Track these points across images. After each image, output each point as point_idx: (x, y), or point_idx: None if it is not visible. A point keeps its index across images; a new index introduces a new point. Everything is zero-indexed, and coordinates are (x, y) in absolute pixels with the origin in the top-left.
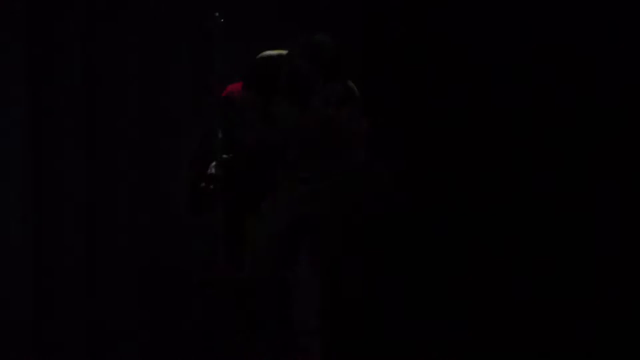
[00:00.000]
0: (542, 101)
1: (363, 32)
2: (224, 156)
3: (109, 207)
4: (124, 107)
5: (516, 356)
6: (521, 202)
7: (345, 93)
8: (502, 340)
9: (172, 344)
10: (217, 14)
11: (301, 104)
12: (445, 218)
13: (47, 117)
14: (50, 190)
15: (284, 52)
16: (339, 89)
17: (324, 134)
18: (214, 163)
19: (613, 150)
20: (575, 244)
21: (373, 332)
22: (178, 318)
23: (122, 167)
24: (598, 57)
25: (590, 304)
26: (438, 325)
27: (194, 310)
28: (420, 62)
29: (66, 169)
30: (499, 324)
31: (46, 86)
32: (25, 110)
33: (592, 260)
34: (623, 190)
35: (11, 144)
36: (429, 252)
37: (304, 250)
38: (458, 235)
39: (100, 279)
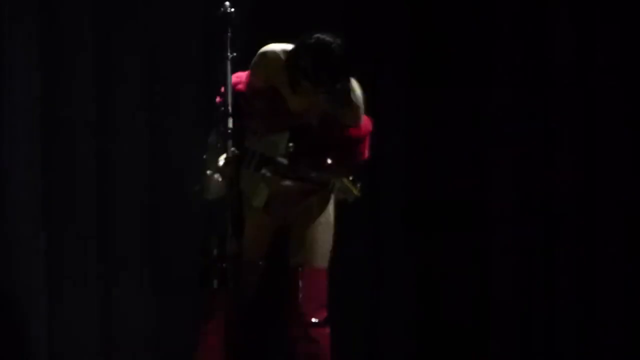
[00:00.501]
0: None
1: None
2: (233, 150)
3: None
4: (135, 101)
5: None
6: None
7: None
8: None
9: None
10: (227, 2)
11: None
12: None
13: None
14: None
15: (288, 46)
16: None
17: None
18: (223, 156)
19: None
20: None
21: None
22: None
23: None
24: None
25: None
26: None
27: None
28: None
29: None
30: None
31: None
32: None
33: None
34: None
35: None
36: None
37: None
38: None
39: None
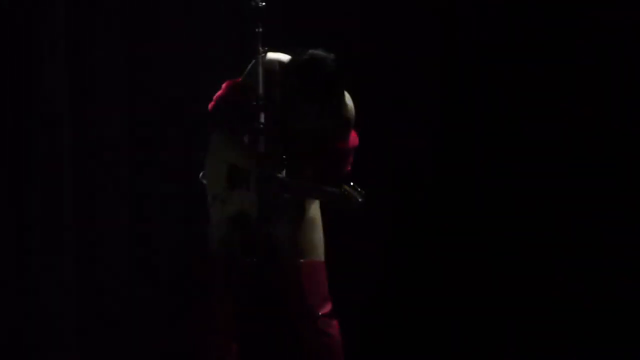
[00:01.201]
0: None
1: None
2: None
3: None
4: (162, 98)
5: None
6: None
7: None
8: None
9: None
10: None
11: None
12: None
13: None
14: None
15: (284, 56)
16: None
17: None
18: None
19: None
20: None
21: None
22: None
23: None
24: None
25: None
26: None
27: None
28: None
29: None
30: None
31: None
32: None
33: None
34: None
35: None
36: None
37: None
38: None
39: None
